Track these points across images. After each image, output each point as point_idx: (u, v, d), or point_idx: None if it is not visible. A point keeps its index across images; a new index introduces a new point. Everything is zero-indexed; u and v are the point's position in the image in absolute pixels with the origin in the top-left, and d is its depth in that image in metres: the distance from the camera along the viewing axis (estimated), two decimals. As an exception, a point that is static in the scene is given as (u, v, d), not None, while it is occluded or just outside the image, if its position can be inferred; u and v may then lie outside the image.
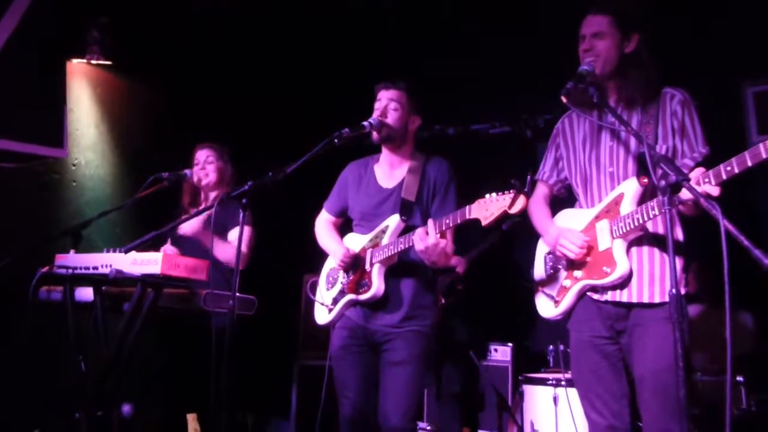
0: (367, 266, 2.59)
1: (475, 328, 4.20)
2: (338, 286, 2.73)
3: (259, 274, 3.19)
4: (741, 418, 3.34)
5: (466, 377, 4.06)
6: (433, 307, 2.64)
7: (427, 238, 2.35)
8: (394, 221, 2.59)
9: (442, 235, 2.38)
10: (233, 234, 3.24)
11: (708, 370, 3.46)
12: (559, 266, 2.31)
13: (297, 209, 3.53)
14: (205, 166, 3.33)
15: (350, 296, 2.63)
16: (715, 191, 1.79)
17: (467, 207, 2.30)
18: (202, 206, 3.38)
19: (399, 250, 2.50)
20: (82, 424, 2.47)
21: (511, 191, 2.18)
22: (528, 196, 2.19)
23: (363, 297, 2.57)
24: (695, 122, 2.14)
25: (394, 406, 2.45)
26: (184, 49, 4.41)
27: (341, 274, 2.73)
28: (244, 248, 3.24)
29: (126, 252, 2.46)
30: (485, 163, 4.84)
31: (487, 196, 2.24)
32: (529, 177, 2.17)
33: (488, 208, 2.22)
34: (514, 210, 2.17)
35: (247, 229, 3.19)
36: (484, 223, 2.23)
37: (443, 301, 3.95)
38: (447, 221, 2.36)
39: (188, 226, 3.02)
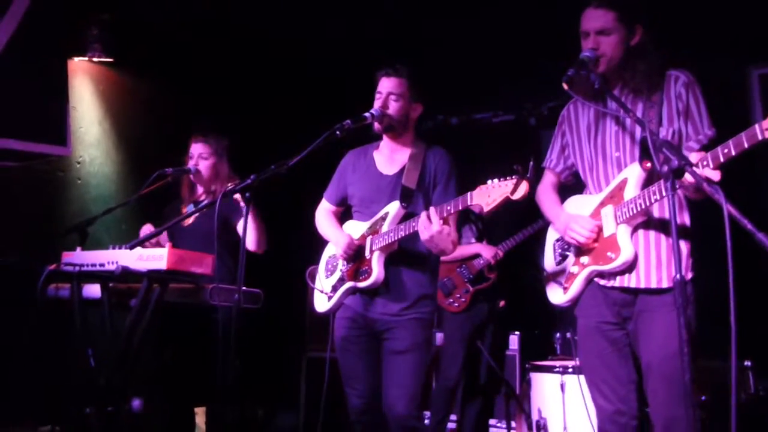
0: (367, 253, 2.59)
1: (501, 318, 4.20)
2: (337, 274, 2.72)
3: (263, 267, 3.20)
4: (749, 403, 3.32)
5: (491, 368, 4.07)
6: (433, 294, 2.64)
7: (431, 226, 2.34)
8: (394, 208, 2.59)
9: (445, 222, 2.37)
10: (240, 227, 3.21)
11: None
12: (568, 253, 2.31)
13: (300, 201, 3.53)
14: (198, 161, 3.31)
15: (350, 283, 2.62)
16: (715, 175, 1.77)
17: (468, 193, 2.30)
18: (201, 199, 3.37)
19: (399, 237, 2.49)
20: (93, 420, 2.50)
21: (514, 177, 2.18)
22: (531, 182, 2.19)
23: (363, 284, 2.57)
24: (700, 104, 2.12)
25: (399, 396, 2.46)
26: (184, 44, 4.41)
27: (341, 261, 2.71)
28: (257, 233, 3.16)
29: (131, 248, 2.47)
30: (489, 152, 4.82)
31: (489, 182, 2.25)
32: (531, 163, 2.16)
33: (490, 194, 2.23)
34: (516, 196, 2.17)
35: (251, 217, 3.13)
36: (486, 209, 2.24)
37: (471, 289, 3.97)
38: (448, 207, 2.36)
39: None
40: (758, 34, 4.00)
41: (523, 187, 2.16)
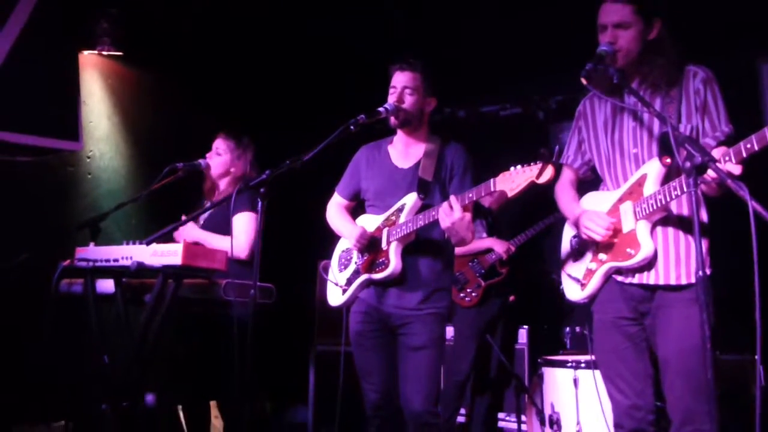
0: (384, 245, 2.58)
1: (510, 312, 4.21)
2: (352, 267, 2.71)
3: (272, 261, 3.18)
4: (760, 397, 3.32)
5: (501, 363, 4.09)
6: (449, 288, 2.65)
7: (452, 213, 2.34)
8: (411, 199, 2.58)
9: (466, 210, 2.37)
10: (235, 221, 3.06)
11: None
12: (585, 249, 2.30)
13: (310, 196, 3.53)
14: (213, 156, 3.30)
15: (365, 275, 2.61)
16: (736, 170, 1.78)
17: (492, 180, 2.30)
18: (216, 195, 3.36)
19: (418, 226, 2.48)
20: (108, 415, 2.50)
21: (538, 162, 2.18)
22: (556, 166, 2.19)
23: (379, 276, 2.55)
24: (718, 101, 2.11)
25: (416, 391, 2.46)
26: (194, 37, 4.40)
27: (355, 254, 2.71)
28: (246, 238, 3.08)
29: (148, 244, 2.47)
30: (496, 145, 4.81)
31: (512, 168, 2.25)
32: (557, 147, 2.16)
33: (514, 180, 2.23)
34: (542, 180, 2.17)
35: (250, 216, 3.11)
36: (510, 194, 2.24)
37: (483, 283, 3.97)
38: (470, 195, 2.35)
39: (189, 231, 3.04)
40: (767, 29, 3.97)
41: (549, 172, 2.16)
